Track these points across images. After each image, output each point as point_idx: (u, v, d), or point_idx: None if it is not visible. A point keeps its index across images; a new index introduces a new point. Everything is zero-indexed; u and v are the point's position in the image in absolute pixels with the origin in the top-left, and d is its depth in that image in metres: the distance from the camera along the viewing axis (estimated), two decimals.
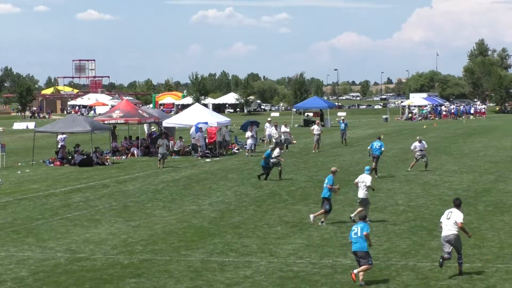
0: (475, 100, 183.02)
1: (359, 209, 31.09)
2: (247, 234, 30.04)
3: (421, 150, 48.24)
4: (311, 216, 31.86)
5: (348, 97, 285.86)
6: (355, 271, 22.37)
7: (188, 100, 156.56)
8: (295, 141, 70.39)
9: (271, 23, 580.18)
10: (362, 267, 22.49)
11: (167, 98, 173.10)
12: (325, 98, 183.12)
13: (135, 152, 62.89)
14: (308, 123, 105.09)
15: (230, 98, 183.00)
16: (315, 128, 66.49)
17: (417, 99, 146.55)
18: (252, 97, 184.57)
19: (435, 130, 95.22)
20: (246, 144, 63.06)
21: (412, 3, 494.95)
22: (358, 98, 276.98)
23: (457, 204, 24.20)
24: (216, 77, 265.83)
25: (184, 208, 36.54)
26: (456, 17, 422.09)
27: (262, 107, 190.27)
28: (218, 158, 59.53)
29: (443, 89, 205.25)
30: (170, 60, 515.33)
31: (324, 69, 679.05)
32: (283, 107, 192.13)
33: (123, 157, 61.68)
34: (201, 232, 30.51)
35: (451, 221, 23.63)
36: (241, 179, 46.86)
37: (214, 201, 38.40)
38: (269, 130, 68.08)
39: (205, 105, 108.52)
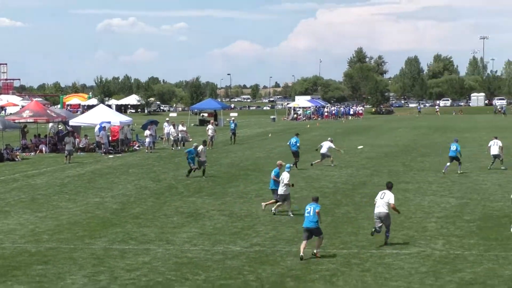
0: (354, 102, 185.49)
1: (278, 203, 31.15)
2: (146, 223, 29.87)
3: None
4: (263, 204, 32.02)
5: (240, 99, 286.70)
6: (314, 250, 23.81)
7: (93, 101, 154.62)
8: (191, 139, 70.38)
9: (171, 32, 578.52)
10: (317, 242, 23.83)
11: (73, 99, 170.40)
12: (219, 100, 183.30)
13: (44, 149, 61.94)
14: (203, 122, 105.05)
15: (132, 99, 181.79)
16: (210, 127, 67.07)
17: (302, 101, 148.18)
18: (152, 99, 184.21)
19: (318, 129, 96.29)
20: (145, 142, 62.82)
21: (297, 14, 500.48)
22: (248, 100, 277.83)
23: (389, 187, 26.03)
24: (119, 80, 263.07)
25: (88, 200, 36.11)
26: (338, 28, 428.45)
27: (161, 108, 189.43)
28: (120, 155, 59.04)
29: (325, 92, 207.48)
30: (77, 65, 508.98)
31: (218, 73, 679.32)
32: (180, 108, 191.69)
33: (32, 153, 60.67)
34: (104, 222, 30.21)
35: (384, 201, 25.39)
36: (141, 173, 46.55)
37: (116, 194, 38.08)
38: (168, 129, 68.25)
39: (109, 106, 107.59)
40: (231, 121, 74.41)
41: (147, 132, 62.62)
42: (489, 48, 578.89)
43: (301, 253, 23.56)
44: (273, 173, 32.37)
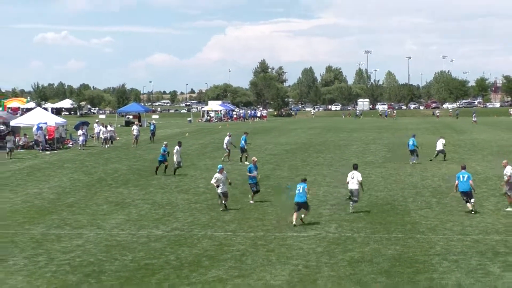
0: (259, 106, 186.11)
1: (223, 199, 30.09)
2: (79, 211, 29.44)
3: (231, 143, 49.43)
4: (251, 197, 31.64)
5: (160, 103, 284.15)
6: (301, 217, 26.25)
7: (31, 104, 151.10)
8: (118, 138, 69.83)
9: (99, 44, 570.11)
10: (305, 213, 26.36)
11: (14, 103, 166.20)
12: (142, 104, 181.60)
13: None
14: (128, 123, 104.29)
15: (66, 103, 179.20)
16: (134, 128, 66.56)
17: (214, 105, 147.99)
18: (83, 103, 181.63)
19: (228, 129, 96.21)
20: (78, 140, 62.02)
21: (210, 30, 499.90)
22: (168, 104, 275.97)
23: (356, 168, 30.01)
24: (54, 86, 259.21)
25: (28, 191, 35.41)
26: (244, 42, 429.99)
27: (92, 110, 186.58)
28: (56, 151, 57.98)
29: (234, 98, 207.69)
30: (16, 72, 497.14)
31: (141, 81, 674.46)
32: (108, 111, 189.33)
33: None
34: (42, 210, 29.68)
35: (355, 179, 28.86)
36: (74, 168, 45.80)
37: (52, 186, 37.40)
38: (97, 129, 67.73)
39: (45, 109, 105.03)
40: (151, 123, 74.33)
41: (79, 132, 62.12)
42: (372, 60, 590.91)
43: (294, 222, 25.80)
44: (248, 170, 31.91)
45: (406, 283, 18.31)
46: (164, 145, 41.70)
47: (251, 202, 31.10)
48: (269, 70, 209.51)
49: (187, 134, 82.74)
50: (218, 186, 29.48)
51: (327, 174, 41.20)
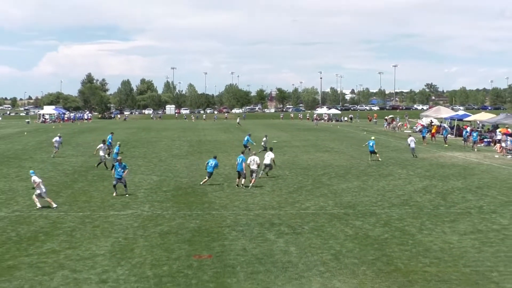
0: (86, 110, 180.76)
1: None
2: None
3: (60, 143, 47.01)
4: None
5: (2, 107, 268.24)
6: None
7: None
8: None
9: None
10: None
11: None
12: None
13: None
14: None
15: None
16: None
17: (49, 109, 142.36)
18: None
19: (60, 129, 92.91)
20: None
21: (45, 48, 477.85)
22: (9, 108, 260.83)
23: (271, 149, 34.77)
24: None
25: None
26: (74, 59, 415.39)
27: None
28: None
29: (65, 103, 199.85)
30: None
31: None
32: None
33: None
34: None
35: (269, 157, 32.97)
36: None
37: None
38: None
39: None
40: None
41: None
42: (177, 74, 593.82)
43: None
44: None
45: (204, 249, 18.53)
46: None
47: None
48: (94, 81, 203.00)
49: (25, 133, 78.92)
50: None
51: (142, 165, 40.78)
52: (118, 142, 44.33)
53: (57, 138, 46.83)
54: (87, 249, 18.63)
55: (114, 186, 28.19)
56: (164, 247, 18.76)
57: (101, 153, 38.91)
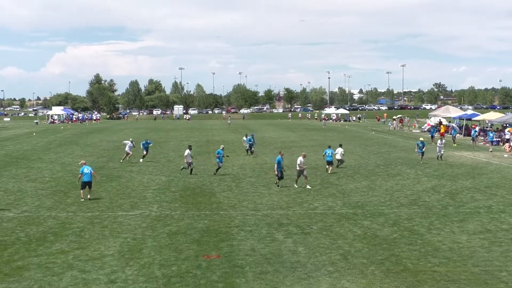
0: (94, 111, 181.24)
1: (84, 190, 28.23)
2: None
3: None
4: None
5: (11, 108, 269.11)
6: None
7: None
8: None
9: None
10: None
11: None
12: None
13: None
14: None
15: None
16: None
17: (57, 110, 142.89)
18: None
19: (69, 130, 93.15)
20: None
21: (53, 49, 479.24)
22: (18, 109, 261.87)
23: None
24: None
25: None
26: (82, 59, 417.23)
27: None
28: None
29: (73, 104, 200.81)
30: None
31: None
32: None
33: None
34: None
35: (338, 153, 37.49)
36: None
37: None
38: None
39: None
40: None
41: None
42: (185, 75, 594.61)
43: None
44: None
45: (212, 249, 18.53)
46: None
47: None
48: (103, 81, 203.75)
49: (34, 134, 79.20)
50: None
51: (150, 165, 40.80)
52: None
53: (129, 143, 43.64)
54: (95, 249, 18.65)
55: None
56: (173, 247, 18.76)
57: (188, 159, 35.96)
